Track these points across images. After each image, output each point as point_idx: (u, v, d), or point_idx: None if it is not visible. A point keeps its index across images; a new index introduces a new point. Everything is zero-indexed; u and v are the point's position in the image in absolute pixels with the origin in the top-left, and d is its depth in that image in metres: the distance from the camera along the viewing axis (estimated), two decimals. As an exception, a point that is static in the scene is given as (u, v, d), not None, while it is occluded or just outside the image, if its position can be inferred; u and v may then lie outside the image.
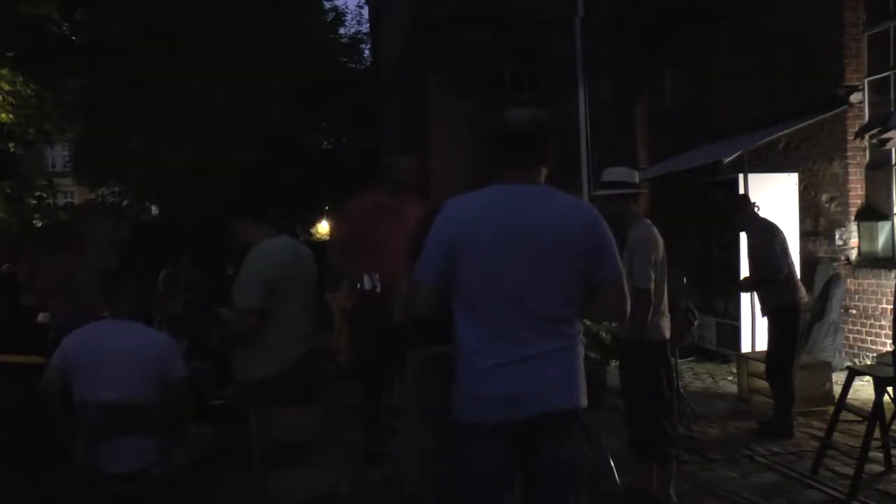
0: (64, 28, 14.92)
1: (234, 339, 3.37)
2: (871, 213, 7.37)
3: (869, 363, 6.72)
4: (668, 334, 3.88)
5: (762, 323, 5.65)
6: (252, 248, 3.42)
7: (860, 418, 4.58)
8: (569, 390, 2.22)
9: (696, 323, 5.46)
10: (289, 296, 3.34)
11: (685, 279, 5.41)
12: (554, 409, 2.19)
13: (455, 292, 2.21)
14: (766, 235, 5.20)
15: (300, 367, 3.33)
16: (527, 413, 2.17)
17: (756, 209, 5.45)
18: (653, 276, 3.72)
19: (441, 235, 2.21)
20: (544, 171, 2.33)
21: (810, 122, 7.53)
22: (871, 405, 4.16)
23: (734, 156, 7.33)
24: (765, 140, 7.67)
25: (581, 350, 2.29)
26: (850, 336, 7.39)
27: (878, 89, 7.40)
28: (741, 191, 7.00)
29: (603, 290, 2.27)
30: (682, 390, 5.64)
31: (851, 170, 7.42)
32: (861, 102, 7.41)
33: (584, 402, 2.26)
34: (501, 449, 2.20)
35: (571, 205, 2.28)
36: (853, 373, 4.48)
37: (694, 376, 7.35)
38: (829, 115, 7.45)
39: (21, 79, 13.27)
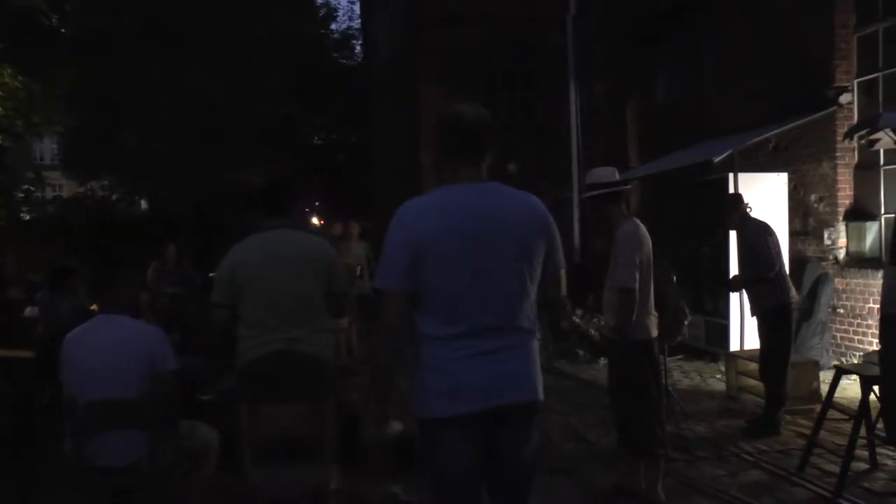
0: (53, 20, 14.81)
1: (210, 332, 3.42)
2: (860, 213, 7.42)
3: (856, 362, 6.77)
4: (654, 333, 3.89)
5: (751, 322, 5.68)
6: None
7: (847, 417, 4.62)
8: (529, 383, 2.28)
9: (686, 322, 5.48)
10: (256, 292, 3.33)
11: (674, 278, 5.43)
12: (516, 401, 2.24)
13: (418, 291, 2.22)
14: (760, 234, 5.23)
15: (267, 363, 3.29)
16: (490, 405, 2.20)
17: (748, 209, 5.47)
18: (637, 276, 3.73)
19: (402, 239, 2.20)
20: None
21: (800, 122, 7.56)
22: (857, 404, 4.20)
23: (724, 155, 7.36)
24: (755, 140, 7.71)
25: (536, 344, 2.33)
26: (838, 335, 7.44)
27: (867, 91, 7.45)
28: (731, 190, 7.03)
29: (547, 281, 2.35)
30: (670, 388, 5.67)
31: (840, 170, 7.47)
32: (850, 103, 7.45)
33: (542, 396, 2.31)
34: (467, 444, 2.22)
35: (521, 201, 2.31)
36: (840, 371, 4.51)
37: (682, 374, 7.38)
38: (818, 115, 7.49)
39: (9, 71, 13.17)
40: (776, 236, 5.33)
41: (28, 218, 19.62)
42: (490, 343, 2.21)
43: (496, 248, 2.21)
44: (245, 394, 3.27)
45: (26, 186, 19.96)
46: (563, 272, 2.39)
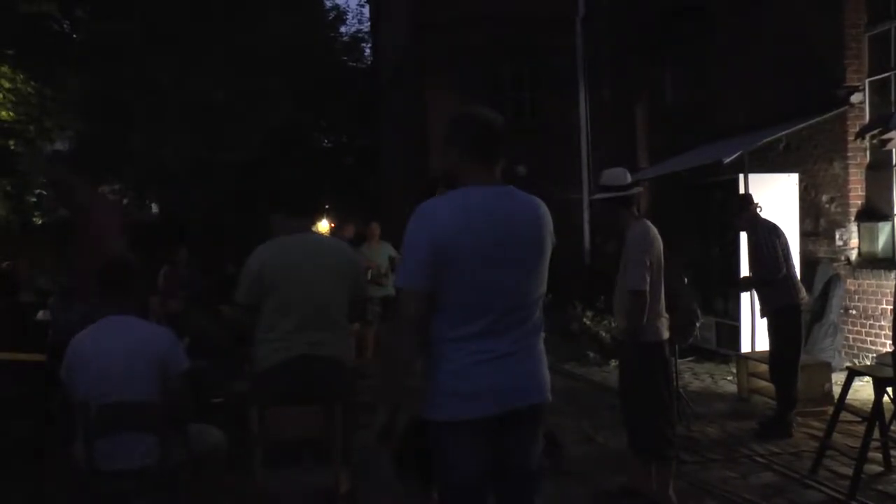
0: (65, 26, 14.92)
1: (231, 332, 3.43)
2: (872, 213, 7.37)
3: (868, 364, 6.72)
4: (665, 335, 3.87)
5: (762, 323, 5.66)
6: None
7: (859, 419, 4.58)
8: (539, 385, 2.31)
9: (698, 324, 5.45)
10: (283, 294, 3.32)
11: (686, 280, 5.40)
12: (529, 402, 2.26)
13: (436, 292, 2.21)
14: (768, 235, 5.20)
15: (290, 367, 3.28)
16: (502, 409, 2.21)
17: (758, 209, 5.44)
18: (648, 278, 3.71)
19: (423, 239, 2.20)
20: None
21: (811, 122, 7.52)
22: (870, 406, 4.17)
23: (735, 156, 7.32)
24: (765, 140, 7.67)
25: (543, 344, 2.36)
26: (850, 336, 7.39)
27: (879, 90, 7.40)
28: (741, 191, 7.00)
29: None
30: (681, 390, 5.64)
31: (852, 170, 7.42)
32: (862, 103, 7.41)
33: (550, 396, 2.34)
34: (477, 446, 2.22)
35: (532, 203, 2.34)
36: (853, 373, 4.48)
37: (693, 376, 7.35)
38: (829, 115, 7.44)
39: (21, 76, 13.27)
40: (785, 237, 5.29)
41: (40, 222, 19.75)
42: (504, 345, 2.22)
43: (513, 250, 2.23)
44: (266, 397, 3.25)
45: (38, 191, 20.09)
46: None
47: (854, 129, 7.35)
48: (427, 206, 2.26)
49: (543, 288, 2.32)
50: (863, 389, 5.74)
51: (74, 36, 15.22)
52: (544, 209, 2.35)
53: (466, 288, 2.19)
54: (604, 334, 8.29)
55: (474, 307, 2.20)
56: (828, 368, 5.95)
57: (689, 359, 7.80)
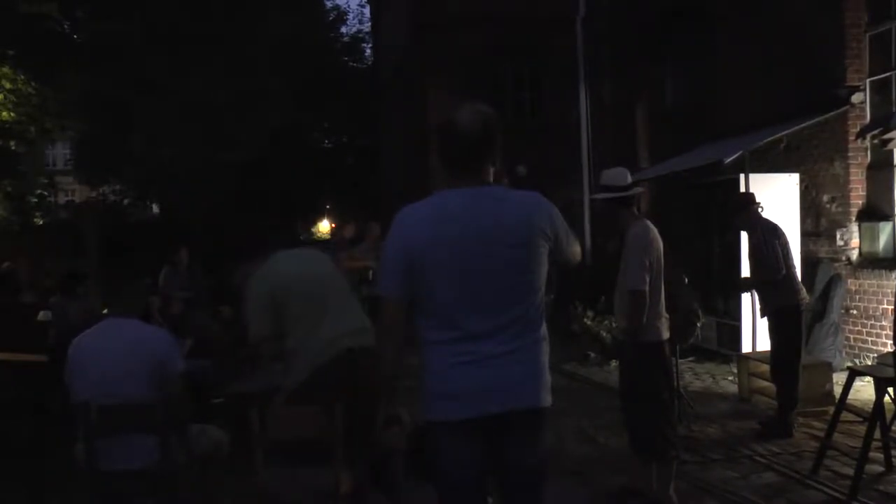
0: (65, 26, 14.93)
1: (231, 332, 3.45)
2: (873, 213, 7.37)
3: (869, 363, 6.71)
4: (665, 335, 3.87)
5: (763, 323, 5.65)
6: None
7: (860, 419, 4.58)
8: (533, 388, 2.26)
9: (699, 324, 5.45)
10: (301, 307, 3.36)
11: (686, 280, 5.40)
12: (519, 407, 2.23)
13: (417, 296, 2.22)
14: (768, 235, 5.20)
15: (328, 370, 3.31)
16: (493, 411, 2.20)
17: (760, 209, 5.44)
18: (647, 278, 3.71)
19: (397, 247, 2.22)
20: (493, 170, 2.31)
21: (812, 122, 7.52)
22: (871, 406, 4.17)
23: (735, 156, 7.32)
24: (766, 140, 7.66)
25: (546, 348, 2.31)
26: (851, 336, 7.38)
27: (880, 90, 7.39)
28: (742, 191, 6.99)
29: (564, 263, 2.44)
30: (682, 390, 5.64)
31: (853, 170, 7.42)
32: (862, 103, 7.40)
33: (549, 401, 2.29)
34: (473, 448, 2.22)
35: (520, 202, 2.28)
36: (854, 373, 4.47)
37: (694, 376, 7.34)
38: (830, 115, 7.44)
39: (22, 77, 13.29)
40: (785, 237, 5.29)
41: (41, 223, 19.77)
42: (490, 348, 2.20)
43: (492, 253, 2.20)
44: (323, 394, 3.22)
45: (39, 191, 20.12)
46: (576, 249, 2.42)
47: (855, 128, 7.35)
48: (402, 212, 2.27)
49: (537, 286, 2.27)
50: (864, 389, 5.73)
51: (74, 36, 15.23)
52: (538, 207, 2.29)
53: (446, 292, 2.19)
54: (604, 334, 8.29)
55: (452, 312, 2.20)
56: (829, 368, 5.95)
57: (690, 359, 7.80)
